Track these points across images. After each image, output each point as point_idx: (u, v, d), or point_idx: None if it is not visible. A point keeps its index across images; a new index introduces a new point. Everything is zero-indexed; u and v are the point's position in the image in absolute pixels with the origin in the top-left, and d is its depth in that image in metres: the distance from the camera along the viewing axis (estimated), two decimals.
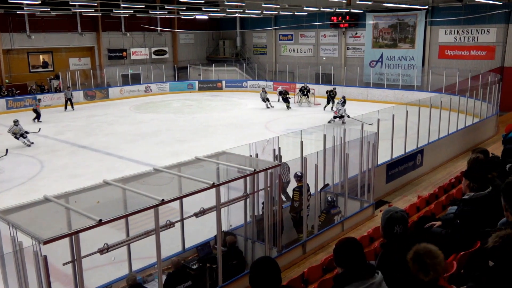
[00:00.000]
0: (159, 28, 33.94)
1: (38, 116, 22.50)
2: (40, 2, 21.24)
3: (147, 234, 5.50)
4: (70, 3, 24.16)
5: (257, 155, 7.70)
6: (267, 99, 25.60)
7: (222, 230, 6.81)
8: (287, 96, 25.76)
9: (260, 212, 7.62)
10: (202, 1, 26.78)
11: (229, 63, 35.26)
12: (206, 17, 34.74)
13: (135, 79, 32.62)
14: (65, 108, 25.83)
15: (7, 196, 11.98)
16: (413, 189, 11.15)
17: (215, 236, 6.54)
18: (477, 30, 24.88)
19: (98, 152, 16.68)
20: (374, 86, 28.35)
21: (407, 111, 11.54)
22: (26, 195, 11.92)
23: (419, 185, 11.42)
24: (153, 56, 34.44)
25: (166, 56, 35.23)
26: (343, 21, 30.17)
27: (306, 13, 29.92)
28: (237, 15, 33.26)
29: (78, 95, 28.02)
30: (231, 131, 19.72)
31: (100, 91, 30.13)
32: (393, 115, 11.06)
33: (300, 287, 5.75)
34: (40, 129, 18.76)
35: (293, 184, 8.86)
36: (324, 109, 24.13)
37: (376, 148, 9.72)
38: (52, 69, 30.17)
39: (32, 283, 4.72)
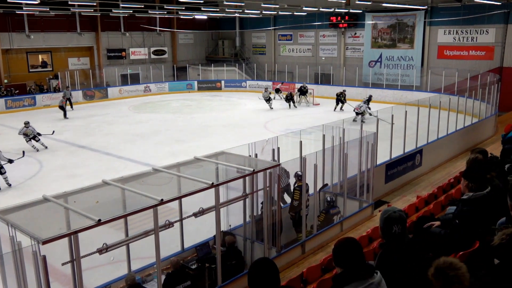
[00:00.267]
0: (158, 28, 33.92)
1: (64, 113, 23.37)
2: (39, 2, 21.20)
3: (146, 234, 5.49)
4: (69, 3, 24.13)
5: (256, 155, 7.70)
6: (270, 99, 25.42)
7: (221, 230, 6.80)
8: (292, 95, 26.01)
9: (259, 212, 7.62)
10: (201, 1, 26.77)
11: (228, 63, 35.25)
12: (205, 17, 34.75)
13: (134, 79, 32.60)
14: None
15: (6, 196, 11.96)
16: (412, 189, 11.15)
17: (214, 236, 6.54)
18: (476, 30, 24.91)
19: (97, 152, 16.67)
20: (373, 86, 28.35)
21: (406, 111, 11.54)
22: (25, 195, 11.93)
23: (418, 185, 11.42)
24: (152, 56, 34.43)
25: (165, 56, 35.23)
26: (342, 21, 30.18)
27: (305, 13, 29.94)
28: (236, 15, 33.28)
29: (77, 95, 28.01)
30: (230, 131, 19.72)
31: (99, 91, 30.12)
32: (392, 115, 11.07)
33: (299, 287, 5.75)
34: (53, 131, 17.72)
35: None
36: (334, 110, 24.07)
37: (375, 148, 9.72)
38: (51, 69, 30.14)
39: (31, 283, 4.71)
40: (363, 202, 9.49)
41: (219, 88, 34.07)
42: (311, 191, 8.54)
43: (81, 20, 30.26)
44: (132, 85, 31.99)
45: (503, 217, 3.89)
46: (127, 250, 6.33)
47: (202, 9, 30.02)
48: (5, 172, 12.94)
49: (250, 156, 7.60)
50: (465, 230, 4.48)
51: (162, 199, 5.32)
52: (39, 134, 16.75)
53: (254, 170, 6.63)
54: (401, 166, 11.53)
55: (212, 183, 5.91)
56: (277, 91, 28.53)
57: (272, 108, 25.33)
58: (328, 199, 9.02)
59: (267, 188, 6.91)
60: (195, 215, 6.35)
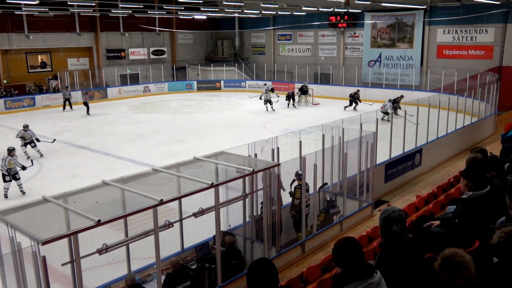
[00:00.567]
0: (157, 28, 33.90)
1: (88, 109, 24.19)
2: (38, 2, 21.20)
3: (146, 234, 5.49)
4: (68, 3, 24.08)
5: (255, 155, 7.70)
6: (269, 101, 24.46)
7: (221, 230, 6.80)
8: (293, 95, 25.96)
9: (259, 212, 7.62)
10: (201, 1, 26.75)
11: (227, 63, 35.24)
12: (205, 17, 34.72)
13: (134, 79, 32.58)
14: (64, 108, 25.79)
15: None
16: (411, 188, 11.16)
17: (214, 236, 6.54)
18: (475, 29, 24.91)
19: (97, 152, 16.67)
20: (372, 86, 28.36)
21: (405, 111, 11.55)
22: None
23: (418, 185, 11.43)
24: (152, 56, 34.41)
25: (165, 56, 35.20)
26: (342, 21, 30.17)
27: (305, 13, 29.94)
28: (236, 15, 33.26)
29: (76, 95, 27.97)
30: (230, 131, 19.71)
31: (99, 91, 30.09)
32: (392, 115, 11.07)
33: (299, 287, 5.75)
34: (54, 139, 16.63)
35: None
36: (345, 109, 23.80)
37: (375, 147, 9.73)
38: (50, 69, 30.10)
39: (30, 284, 4.71)
40: (363, 201, 9.50)
41: (219, 88, 34.05)
42: (311, 191, 8.55)
43: (80, 20, 30.23)
44: (132, 85, 31.96)
45: (502, 216, 3.89)
46: (127, 250, 6.33)
47: (201, 9, 29.99)
48: (19, 178, 12.09)
49: (249, 156, 7.61)
50: (465, 229, 4.48)
51: (161, 199, 5.32)
52: (38, 140, 15.72)
53: (253, 170, 6.63)
54: (401, 165, 11.54)
55: (212, 183, 5.91)
56: (272, 90, 28.01)
57: (267, 111, 24.40)
58: (328, 198, 9.02)
59: (267, 188, 6.92)
60: (195, 215, 6.35)
